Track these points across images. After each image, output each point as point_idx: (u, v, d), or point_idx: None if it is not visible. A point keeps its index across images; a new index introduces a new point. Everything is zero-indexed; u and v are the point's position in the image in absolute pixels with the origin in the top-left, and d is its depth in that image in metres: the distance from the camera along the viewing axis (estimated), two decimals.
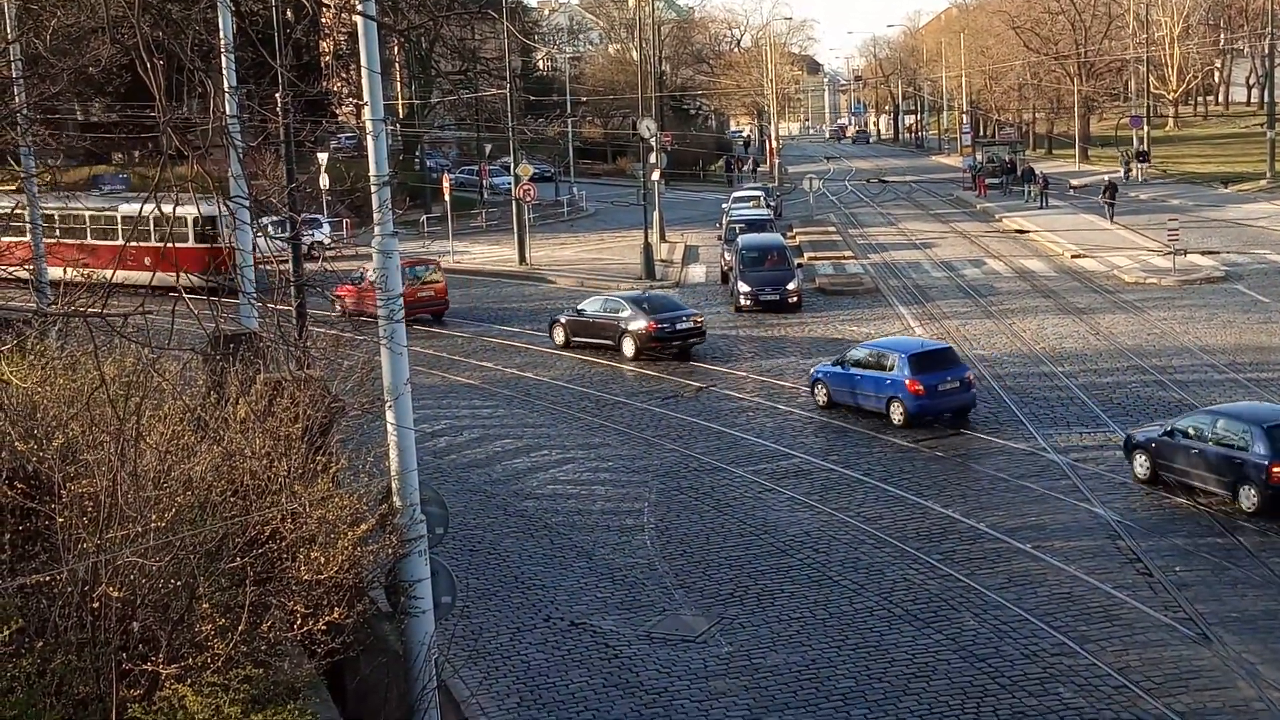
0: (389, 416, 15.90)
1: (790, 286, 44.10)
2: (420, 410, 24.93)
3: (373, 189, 15.98)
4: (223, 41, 21.69)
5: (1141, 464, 25.34)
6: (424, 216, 68.80)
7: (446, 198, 62.08)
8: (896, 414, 29.67)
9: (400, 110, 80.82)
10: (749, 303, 43.85)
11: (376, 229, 15.97)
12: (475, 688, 18.14)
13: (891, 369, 30.02)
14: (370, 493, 15.40)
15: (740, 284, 44.45)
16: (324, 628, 13.02)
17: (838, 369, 31.49)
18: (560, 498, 26.32)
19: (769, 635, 19.48)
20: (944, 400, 29.63)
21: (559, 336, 40.06)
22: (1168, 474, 24.83)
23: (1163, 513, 23.49)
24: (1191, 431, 24.70)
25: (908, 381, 29.43)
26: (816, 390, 32.01)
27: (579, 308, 40.19)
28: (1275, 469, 22.91)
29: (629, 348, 38.06)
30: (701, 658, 18.87)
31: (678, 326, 38.11)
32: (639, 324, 37.89)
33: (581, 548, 23.45)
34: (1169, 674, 17.51)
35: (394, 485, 15.91)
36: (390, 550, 15.38)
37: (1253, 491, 23.18)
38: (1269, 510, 22.87)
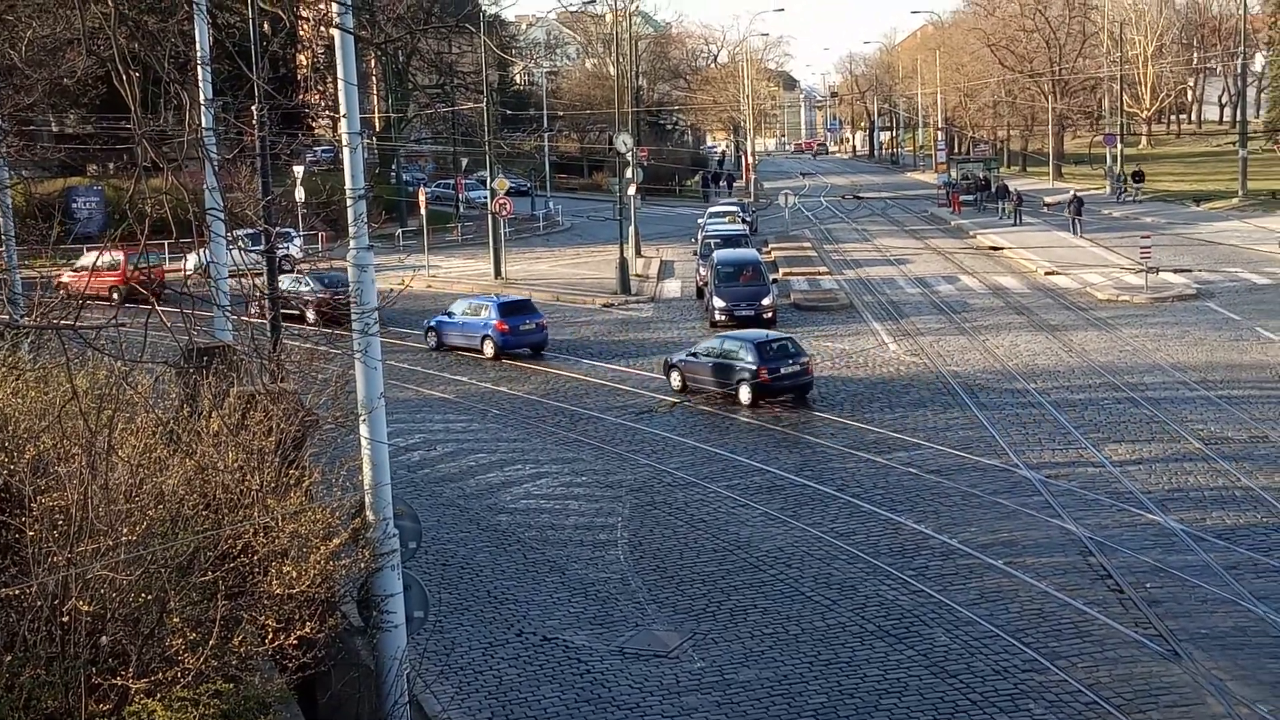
0: (363, 430, 15.88)
1: (765, 302, 44.05)
2: (394, 424, 24.88)
3: (348, 202, 15.97)
4: (199, 54, 21.64)
5: (675, 379, 35.41)
6: (400, 230, 68.85)
7: (422, 211, 62.07)
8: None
9: (377, 124, 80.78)
10: (724, 318, 43.67)
11: (352, 242, 15.95)
12: (447, 703, 18.11)
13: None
14: (343, 507, 15.36)
15: (715, 299, 44.39)
16: (295, 642, 12.98)
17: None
18: (534, 512, 26.30)
19: (741, 651, 19.50)
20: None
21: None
22: (693, 383, 35.06)
23: (1135, 530, 23.59)
24: (707, 351, 35.11)
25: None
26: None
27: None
28: (762, 371, 33.26)
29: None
30: (674, 673, 18.87)
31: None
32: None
33: (555, 562, 23.44)
34: (1139, 690, 17.58)
35: (367, 499, 15.88)
36: (363, 565, 15.34)
37: (747, 389, 33.53)
38: (758, 402, 33.42)
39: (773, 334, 36.57)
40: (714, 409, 33.76)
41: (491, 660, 19.53)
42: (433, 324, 42.66)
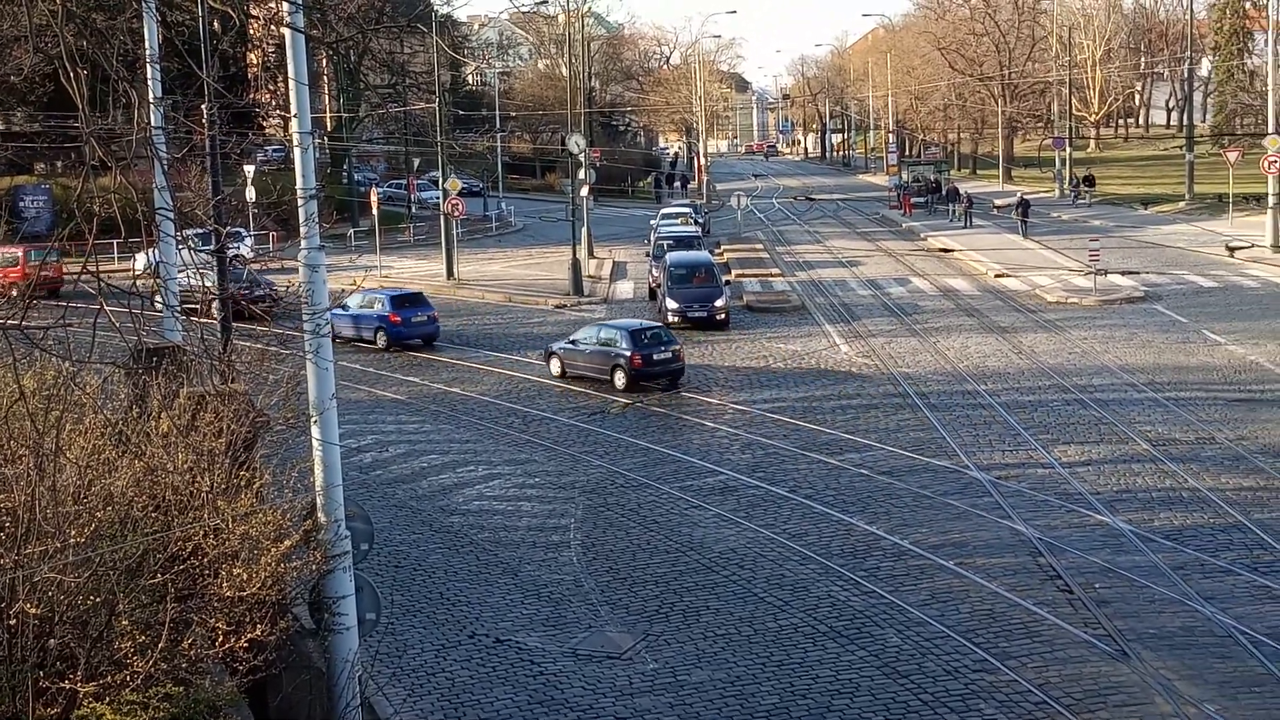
0: (314, 432, 15.79)
1: (718, 303, 44.04)
2: (346, 425, 24.78)
3: (299, 202, 15.88)
4: (148, 51, 21.47)
5: (555, 365, 37.66)
6: (351, 230, 68.50)
7: (374, 212, 61.80)
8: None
9: (329, 123, 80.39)
10: (677, 319, 43.55)
11: (303, 242, 15.87)
12: (399, 705, 18.03)
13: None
14: (294, 508, 15.28)
15: (668, 300, 44.34)
16: (246, 645, 12.90)
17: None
18: (486, 513, 26.24)
19: (694, 652, 19.51)
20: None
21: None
22: (571, 369, 37.13)
23: (1084, 530, 23.76)
24: (585, 339, 37.17)
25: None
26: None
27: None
28: (636, 358, 35.39)
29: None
30: (627, 675, 18.86)
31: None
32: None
33: (507, 564, 23.39)
34: (1088, 690, 17.70)
35: (318, 501, 15.81)
36: (314, 566, 15.27)
37: (622, 375, 35.52)
38: (632, 387, 35.30)
39: (647, 323, 39.00)
40: (665, 409, 33.81)
41: (444, 662, 19.46)
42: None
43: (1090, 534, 23.55)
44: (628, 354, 35.89)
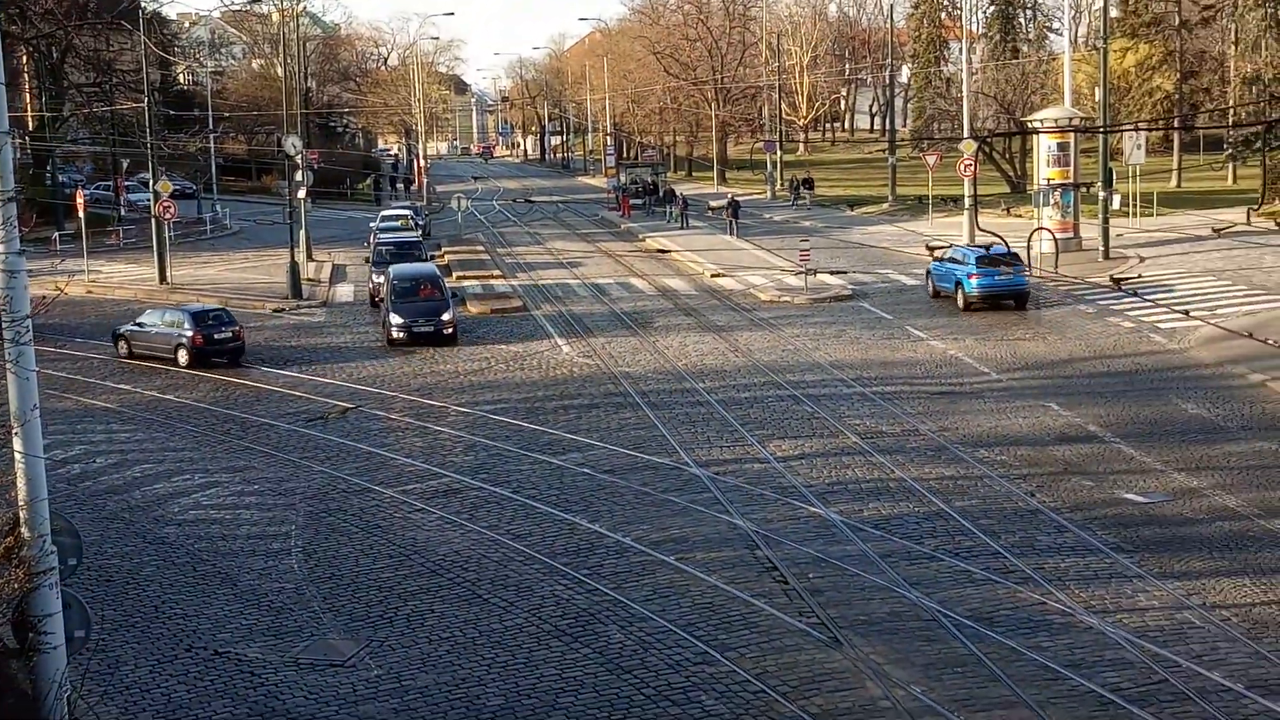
0: (16, 444, 15.20)
1: (445, 317, 42.08)
2: (52, 436, 23.92)
3: None
4: None
5: (122, 347, 40.99)
6: (56, 234, 65.89)
7: (80, 214, 59.51)
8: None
9: (30, 122, 76.99)
10: (402, 335, 41.74)
11: (2, 246, 15.24)
12: None
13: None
14: None
15: (392, 315, 42.15)
16: None
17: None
18: (203, 523, 25.60)
19: (419, 656, 19.45)
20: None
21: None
22: (139, 349, 40.61)
23: (798, 523, 24.53)
24: (151, 322, 40.87)
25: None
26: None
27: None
28: (198, 337, 39.34)
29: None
30: (350, 682, 18.68)
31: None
32: None
33: (226, 574, 22.88)
34: (803, 677, 18.28)
35: (22, 515, 15.21)
36: (17, 584, 14.69)
37: (185, 353, 39.42)
38: (195, 365, 39.18)
39: (210, 307, 42.83)
40: (388, 413, 33.56)
41: (159, 677, 18.92)
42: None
43: (804, 526, 24.32)
44: (190, 334, 39.52)
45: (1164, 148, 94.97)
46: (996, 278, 44.98)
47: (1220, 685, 17.46)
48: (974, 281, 45.26)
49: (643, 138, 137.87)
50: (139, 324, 40.97)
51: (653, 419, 32.14)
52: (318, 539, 24.52)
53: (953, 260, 47.61)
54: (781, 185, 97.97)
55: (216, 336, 39.96)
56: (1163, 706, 17.01)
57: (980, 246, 47.77)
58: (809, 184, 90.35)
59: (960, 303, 45.75)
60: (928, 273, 49.58)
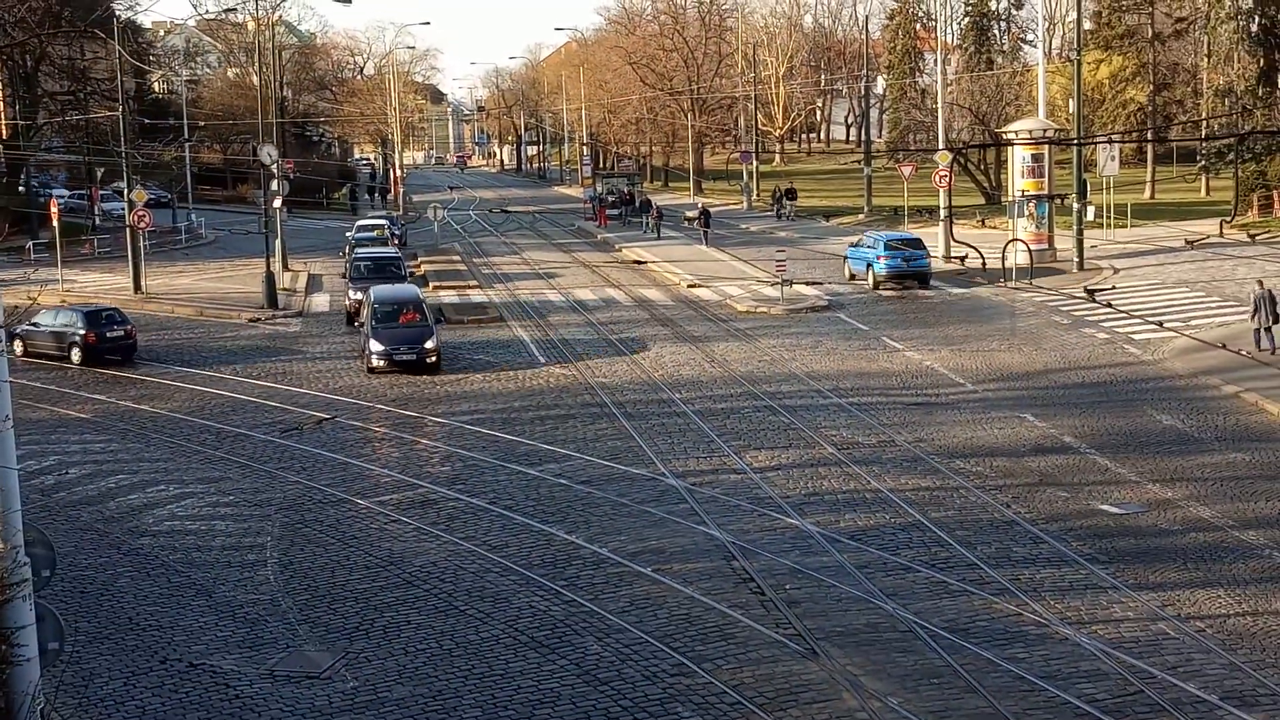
0: None
1: (428, 345, 39.59)
2: (25, 446, 23.79)
3: None
4: None
5: (18, 347, 40.67)
6: (30, 243, 65.68)
7: (55, 223, 59.22)
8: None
9: (3, 131, 76.70)
10: (382, 362, 39.26)
11: None
12: None
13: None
14: None
15: (373, 341, 39.60)
16: None
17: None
18: (179, 534, 25.50)
19: (395, 668, 19.39)
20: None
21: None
22: (34, 348, 41.82)
23: (775, 534, 24.54)
24: (46, 322, 41.78)
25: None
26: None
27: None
28: (90, 335, 40.72)
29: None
30: (326, 694, 18.61)
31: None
32: None
33: (201, 585, 22.79)
34: (780, 689, 18.29)
35: None
36: None
37: (78, 351, 40.90)
38: (88, 361, 40.70)
39: (103, 306, 44.23)
40: (362, 423, 33.50)
41: (133, 690, 18.83)
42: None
43: (781, 537, 24.34)
44: (83, 332, 40.88)
45: (1138, 159, 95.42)
46: (901, 260, 52.57)
47: (1195, 696, 17.54)
48: (882, 263, 52.82)
49: (619, 148, 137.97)
50: (34, 324, 41.69)
51: (629, 430, 32.13)
52: (293, 550, 24.44)
53: (865, 245, 55.34)
54: (759, 196, 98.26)
55: (109, 335, 41.44)
56: (1138, 717, 17.08)
57: (889, 234, 57.39)
58: (791, 194, 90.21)
59: (870, 282, 53.09)
60: (844, 258, 57.05)
